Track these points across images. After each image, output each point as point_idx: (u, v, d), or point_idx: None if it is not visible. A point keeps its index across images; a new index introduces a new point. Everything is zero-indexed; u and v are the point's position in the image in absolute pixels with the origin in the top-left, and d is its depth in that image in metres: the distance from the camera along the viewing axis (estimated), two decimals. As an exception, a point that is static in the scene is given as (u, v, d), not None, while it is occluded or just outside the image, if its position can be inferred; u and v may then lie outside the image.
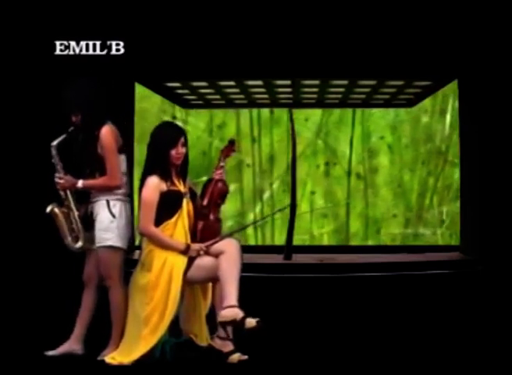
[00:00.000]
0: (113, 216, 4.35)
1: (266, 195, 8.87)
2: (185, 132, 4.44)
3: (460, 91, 7.67)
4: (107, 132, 4.35)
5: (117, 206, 4.38)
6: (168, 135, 4.37)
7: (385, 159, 8.83)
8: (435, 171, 8.66)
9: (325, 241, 8.91)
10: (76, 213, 4.41)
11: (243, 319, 4.12)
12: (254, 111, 8.95)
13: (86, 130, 4.37)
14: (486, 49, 6.53)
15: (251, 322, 4.11)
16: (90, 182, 4.38)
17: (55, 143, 4.40)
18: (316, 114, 8.86)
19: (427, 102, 8.69)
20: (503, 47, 6.46)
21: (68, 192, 4.41)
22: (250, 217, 8.92)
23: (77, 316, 4.48)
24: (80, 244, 4.41)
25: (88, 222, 4.42)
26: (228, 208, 8.60)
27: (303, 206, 8.86)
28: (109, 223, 4.34)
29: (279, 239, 8.64)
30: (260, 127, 8.95)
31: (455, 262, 7.48)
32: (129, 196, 4.50)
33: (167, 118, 8.56)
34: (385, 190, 8.80)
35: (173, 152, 4.34)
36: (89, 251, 4.46)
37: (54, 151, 4.39)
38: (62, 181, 4.38)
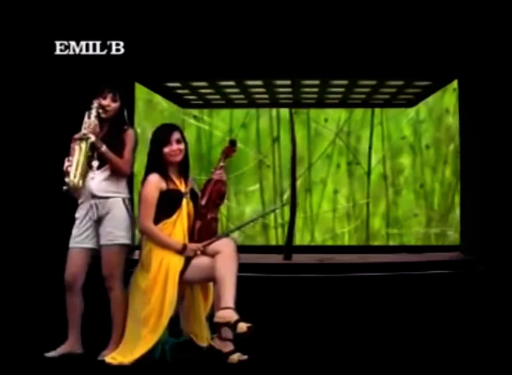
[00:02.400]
0: (129, 214, 4.38)
1: (286, 195, 8.83)
2: (179, 129, 4.43)
3: (460, 91, 7.68)
4: (135, 133, 4.44)
5: (130, 205, 4.41)
6: (160, 134, 4.39)
7: (406, 159, 8.84)
8: (457, 171, 8.65)
9: (346, 240, 8.92)
10: (86, 167, 4.29)
11: (236, 322, 4.12)
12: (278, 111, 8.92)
13: (119, 118, 4.41)
14: (486, 49, 6.53)
15: (242, 327, 4.10)
16: (110, 153, 4.32)
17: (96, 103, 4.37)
18: (336, 114, 8.86)
19: (449, 102, 8.64)
20: (503, 47, 6.46)
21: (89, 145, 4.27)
22: (271, 217, 8.89)
23: (67, 320, 4.44)
24: (80, 184, 4.24)
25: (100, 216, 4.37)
26: (249, 209, 8.63)
27: (324, 205, 8.87)
28: (126, 221, 4.36)
29: (300, 239, 8.66)
30: (279, 127, 8.93)
31: (455, 262, 7.48)
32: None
33: (188, 119, 8.57)
34: (407, 190, 8.82)
35: (166, 150, 4.34)
36: (75, 250, 4.39)
37: (96, 105, 4.34)
38: (96, 131, 4.31)
